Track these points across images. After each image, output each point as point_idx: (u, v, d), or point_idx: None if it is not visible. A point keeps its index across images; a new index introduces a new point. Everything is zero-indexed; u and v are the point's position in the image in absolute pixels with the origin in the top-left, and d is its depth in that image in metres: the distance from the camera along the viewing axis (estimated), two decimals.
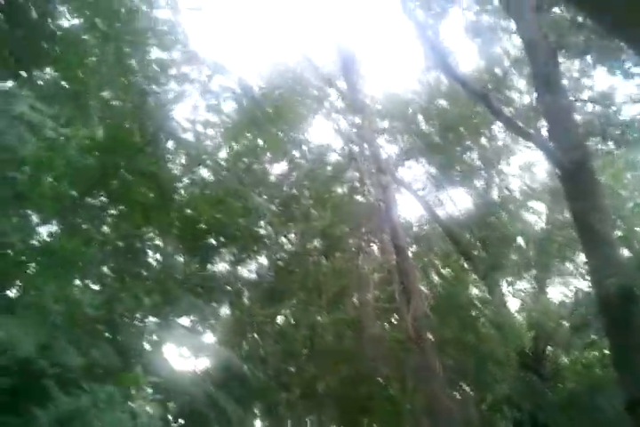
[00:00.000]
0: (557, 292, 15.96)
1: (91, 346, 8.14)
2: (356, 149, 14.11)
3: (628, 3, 1.78)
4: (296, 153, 13.78)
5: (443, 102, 15.71)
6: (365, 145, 13.99)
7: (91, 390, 7.42)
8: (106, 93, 10.81)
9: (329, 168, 13.91)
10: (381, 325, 13.23)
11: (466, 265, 15.13)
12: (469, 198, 16.49)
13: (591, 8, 1.93)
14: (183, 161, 12.22)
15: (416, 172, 17.01)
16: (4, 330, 6.83)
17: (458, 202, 16.56)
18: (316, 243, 13.42)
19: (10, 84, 9.11)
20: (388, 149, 15.88)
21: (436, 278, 14.97)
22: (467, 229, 15.43)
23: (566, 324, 14.05)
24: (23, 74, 9.45)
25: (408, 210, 16.56)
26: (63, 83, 10.41)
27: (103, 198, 11.48)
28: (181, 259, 11.54)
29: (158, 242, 11.25)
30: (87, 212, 11.24)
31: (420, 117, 15.97)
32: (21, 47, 9.66)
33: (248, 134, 12.80)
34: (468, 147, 16.18)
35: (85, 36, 10.68)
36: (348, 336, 12.91)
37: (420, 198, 16.48)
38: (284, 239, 13.33)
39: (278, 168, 13.86)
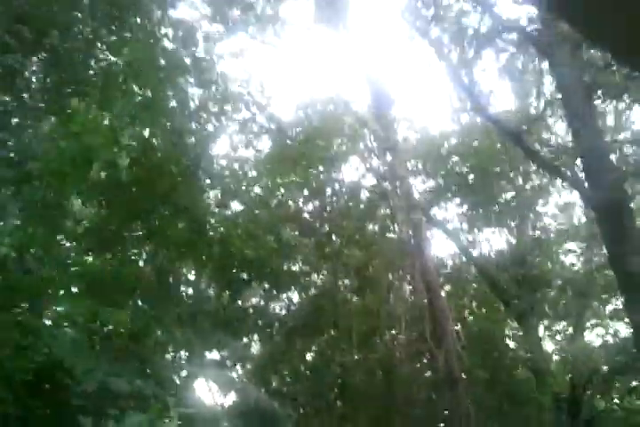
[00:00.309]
0: (595, 335, 15.56)
1: (132, 375, 8.23)
2: (388, 187, 14.20)
3: (628, 29, 1.84)
4: (329, 190, 13.93)
5: (476, 142, 15.77)
6: (398, 183, 14.06)
7: (121, 419, 7.49)
8: (142, 130, 11.14)
9: (361, 206, 14.00)
10: (412, 364, 13.02)
11: (500, 305, 14.89)
12: (504, 238, 16.36)
13: (590, 32, 2.00)
14: (218, 196, 12.45)
15: (450, 211, 16.98)
16: (60, 353, 6.98)
17: (492, 242, 16.43)
18: (348, 280, 13.41)
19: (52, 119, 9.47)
20: (421, 188, 15.93)
21: (469, 318, 14.74)
22: (501, 270, 15.24)
23: (605, 368, 13.65)
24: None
25: (441, 249, 16.46)
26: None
27: (139, 233, 11.73)
28: (212, 293, 11.64)
29: (191, 276, 11.39)
30: (124, 244, 11.48)
31: (454, 157, 16.02)
32: (63, 84, 10.10)
33: (282, 171, 13.01)
34: (502, 187, 16.13)
35: (123, 75, 11.12)
36: (378, 376, 12.74)
37: (453, 237, 16.39)
38: (315, 276, 13.35)
39: (311, 205, 14.00)
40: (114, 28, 11.37)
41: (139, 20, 11.54)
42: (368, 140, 14.80)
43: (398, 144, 14.59)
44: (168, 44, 12.17)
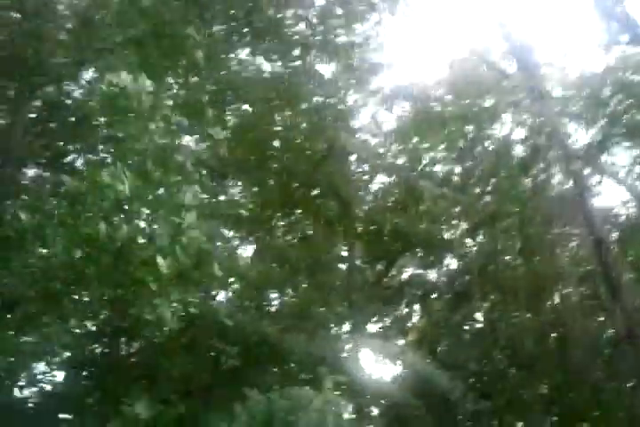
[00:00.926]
0: None
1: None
2: (542, 139, 13.38)
3: None
4: (478, 149, 13.43)
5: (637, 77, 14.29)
6: (553, 134, 13.19)
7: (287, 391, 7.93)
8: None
9: (514, 162, 13.34)
10: (587, 323, 12.31)
11: None
12: None
13: None
14: (365, 169, 12.51)
15: (619, 157, 15.62)
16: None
17: None
18: (508, 242, 12.90)
19: None
20: (582, 135, 14.79)
21: None
22: None
23: None
24: None
25: (611, 198, 15.25)
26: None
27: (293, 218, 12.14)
28: (367, 266, 11.79)
29: (344, 253, 11.62)
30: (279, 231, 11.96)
31: (615, 97, 14.65)
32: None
33: (427, 135, 12.72)
34: None
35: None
36: (550, 337, 12.21)
37: (625, 185, 15.15)
38: (471, 241, 13.00)
39: (460, 167, 13.61)
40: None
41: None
42: (514, 93, 13.98)
43: (548, 92, 13.63)
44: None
